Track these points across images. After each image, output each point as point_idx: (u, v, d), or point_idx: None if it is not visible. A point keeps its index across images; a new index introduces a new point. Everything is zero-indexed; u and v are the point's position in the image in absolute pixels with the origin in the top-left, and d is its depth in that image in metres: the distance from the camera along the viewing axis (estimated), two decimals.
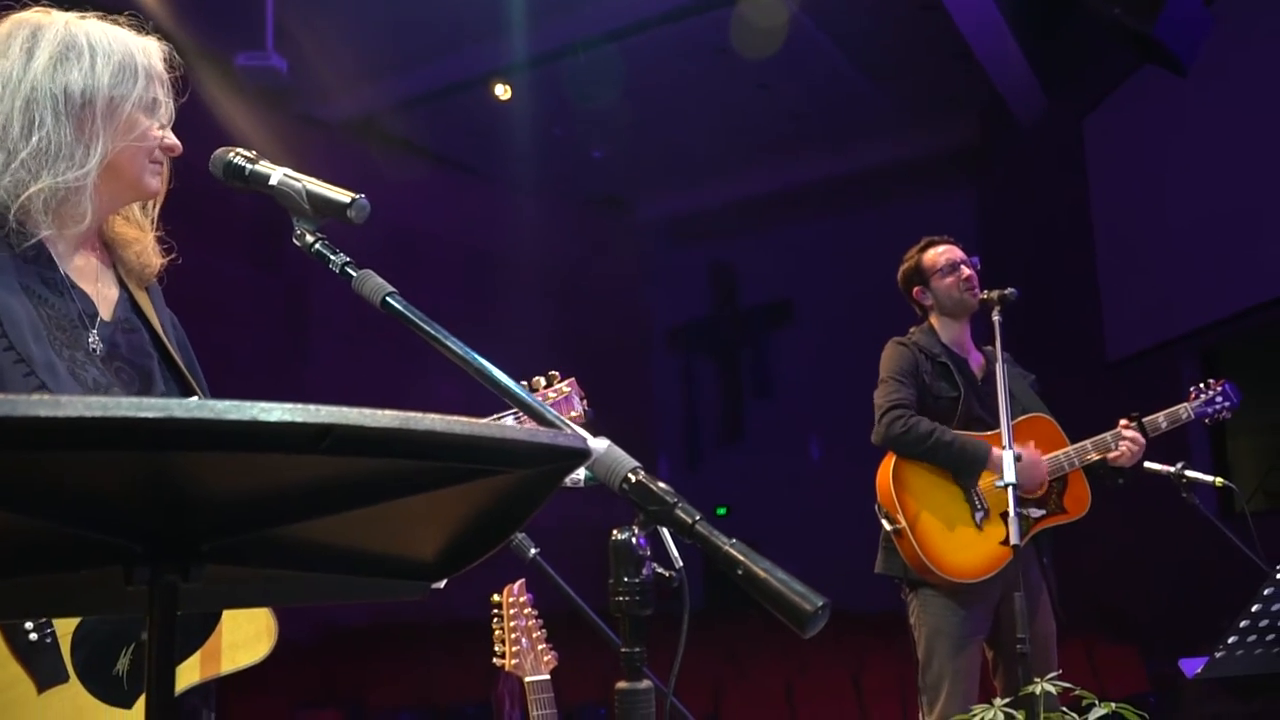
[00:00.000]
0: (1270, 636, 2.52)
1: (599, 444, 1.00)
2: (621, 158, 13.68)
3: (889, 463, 3.25)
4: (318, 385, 10.74)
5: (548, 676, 2.12)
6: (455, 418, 0.80)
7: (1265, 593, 2.41)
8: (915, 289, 3.55)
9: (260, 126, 9.40)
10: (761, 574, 1.00)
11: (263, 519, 0.86)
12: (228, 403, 0.72)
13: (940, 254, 3.50)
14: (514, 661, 2.12)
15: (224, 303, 9.32)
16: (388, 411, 0.77)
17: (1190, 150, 9.00)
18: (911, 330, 3.54)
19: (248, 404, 0.72)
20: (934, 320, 3.52)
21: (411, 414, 0.78)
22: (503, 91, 11.18)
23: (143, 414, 0.68)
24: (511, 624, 2.17)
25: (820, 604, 0.97)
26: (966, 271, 3.45)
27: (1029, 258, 11.00)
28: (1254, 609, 2.43)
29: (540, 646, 2.17)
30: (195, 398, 1.56)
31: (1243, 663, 2.55)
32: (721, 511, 15.45)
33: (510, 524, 0.97)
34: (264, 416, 0.72)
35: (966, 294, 3.42)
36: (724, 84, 11.71)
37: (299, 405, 0.73)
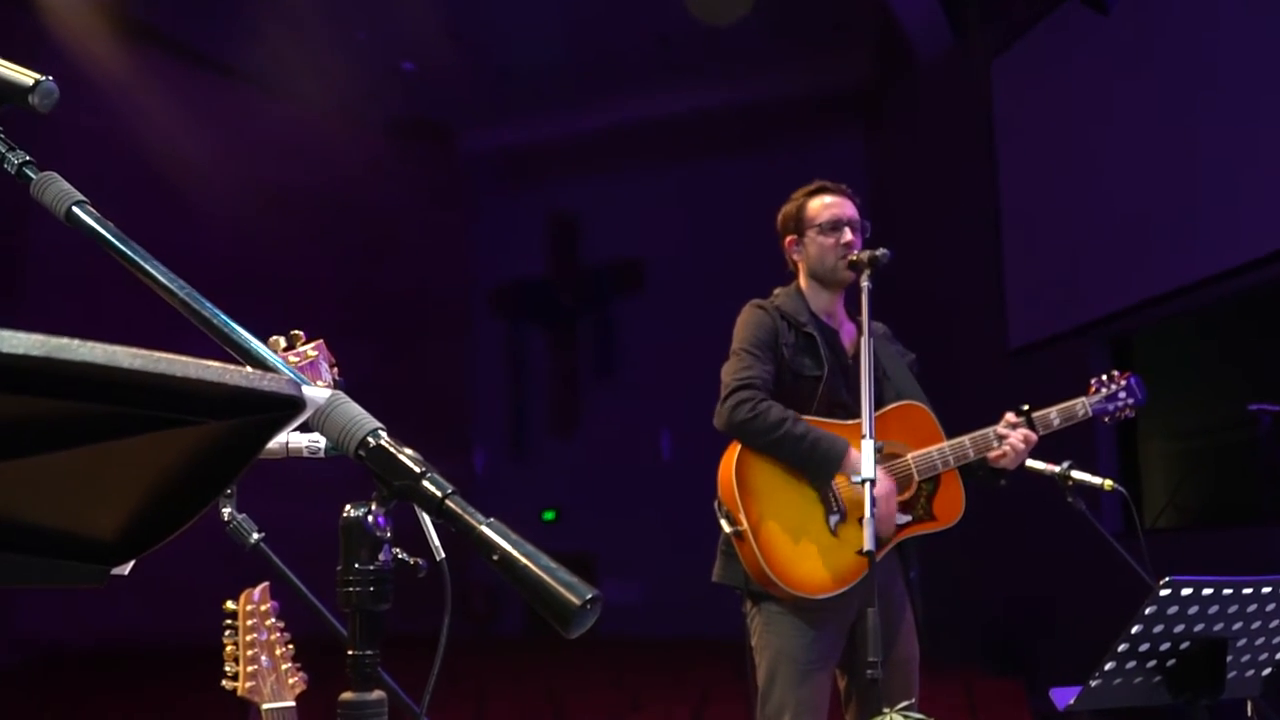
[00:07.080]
0: (1151, 663, 2.67)
1: (318, 394, 0.98)
2: (441, 74, 13.49)
3: (733, 451, 3.29)
4: None
5: (292, 703, 2.10)
6: (121, 348, 0.78)
7: (1146, 612, 2.55)
8: (789, 238, 3.58)
9: None
10: (522, 560, 1.00)
11: None
12: None
13: (826, 206, 3.52)
14: (249, 684, 2.09)
15: None
16: (29, 335, 0.75)
17: (1112, 104, 9.40)
18: (776, 292, 3.56)
19: None
20: (802, 282, 3.55)
21: (63, 340, 0.76)
22: None
23: None
24: (249, 638, 2.13)
25: (589, 596, 0.98)
26: (848, 235, 3.45)
27: (922, 222, 11.34)
28: (1134, 630, 2.58)
29: (285, 666, 2.14)
30: None
31: (1121, 693, 2.70)
32: (550, 515, 15.53)
33: (206, 492, 0.96)
34: None
35: (840, 261, 3.42)
36: None
37: None
